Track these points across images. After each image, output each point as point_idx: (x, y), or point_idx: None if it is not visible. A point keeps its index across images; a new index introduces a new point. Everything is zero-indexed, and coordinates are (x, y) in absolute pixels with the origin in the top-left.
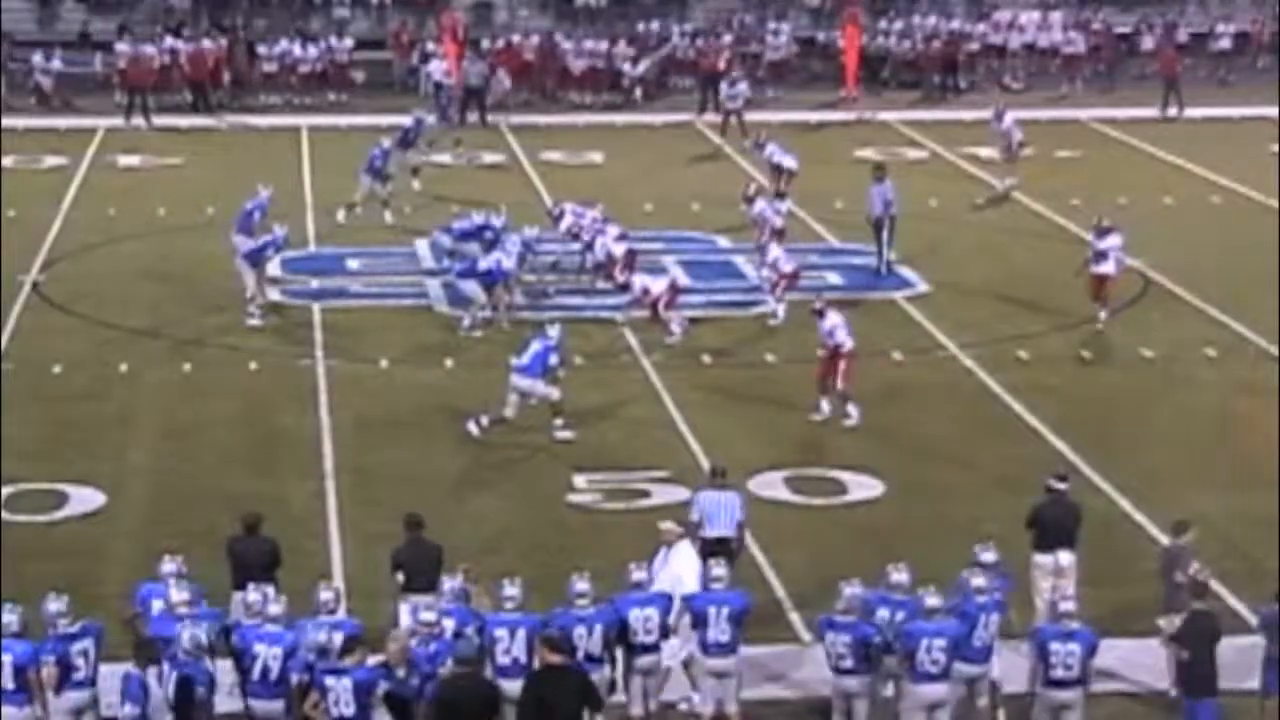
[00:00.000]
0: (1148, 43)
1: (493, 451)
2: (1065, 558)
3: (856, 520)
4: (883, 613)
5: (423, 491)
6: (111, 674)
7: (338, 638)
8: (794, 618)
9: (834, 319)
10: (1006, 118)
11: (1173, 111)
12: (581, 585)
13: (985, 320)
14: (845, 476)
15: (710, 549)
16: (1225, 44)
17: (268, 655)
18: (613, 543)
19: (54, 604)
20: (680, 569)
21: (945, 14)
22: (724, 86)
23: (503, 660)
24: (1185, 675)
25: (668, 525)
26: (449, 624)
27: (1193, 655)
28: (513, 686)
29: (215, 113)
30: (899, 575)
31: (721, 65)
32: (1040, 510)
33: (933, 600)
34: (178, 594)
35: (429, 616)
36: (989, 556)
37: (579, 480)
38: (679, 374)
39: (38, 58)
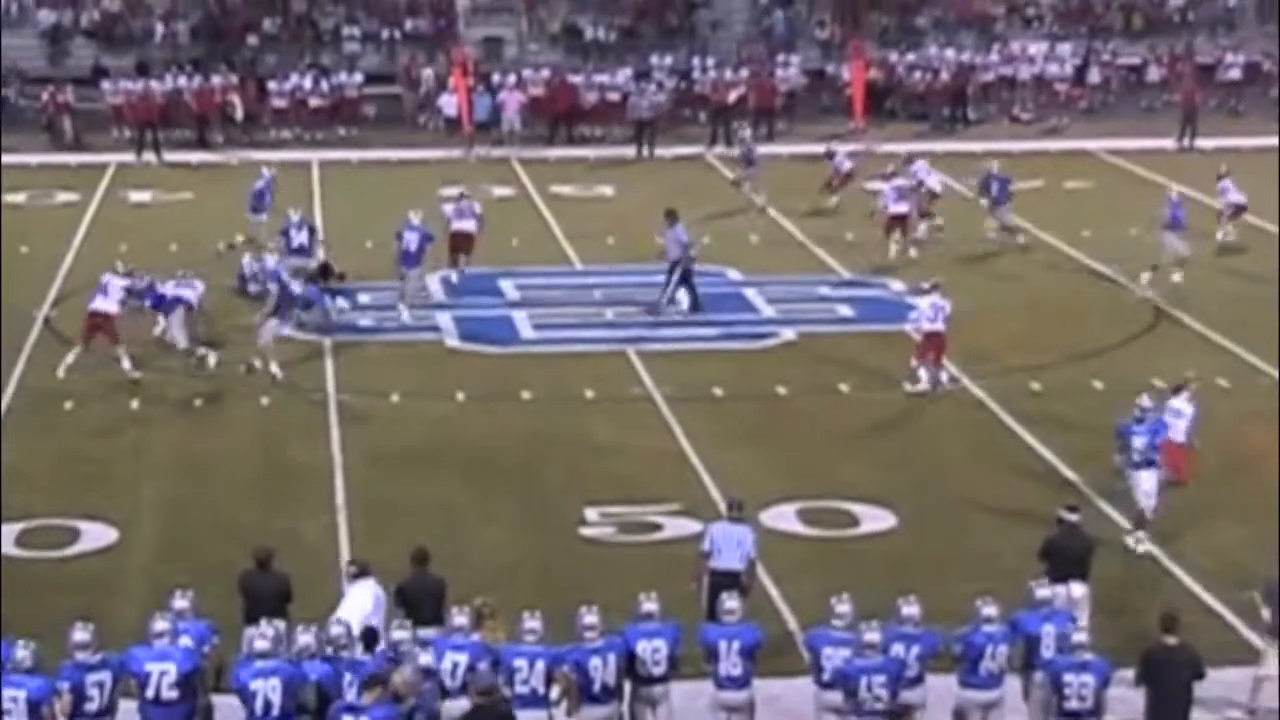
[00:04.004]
0: (1154, 74)
1: (504, 485)
2: (1078, 589)
3: (869, 552)
4: (828, 650)
5: (434, 525)
6: (130, 712)
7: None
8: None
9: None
10: (1228, 180)
11: (1188, 142)
12: (590, 618)
13: (996, 351)
14: (857, 509)
15: (720, 581)
16: (1235, 74)
17: (265, 688)
18: (625, 576)
19: (80, 633)
20: (352, 605)
21: (955, 45)
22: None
23: (521, 690)
24: (1152, 711)
25: (346, 563)
26: (461, 658)
27: (1162, 691)
28: (528, 716)
29: (217, 148)
30: (910, 608)
31: (732, 99)
32: (1053, 542)
33: (872, 635)
34: (160, 624)
35: (402, 635)
36: (990, 611)
37: (591, 513)
38: (691, 406)
39: (46, 95)
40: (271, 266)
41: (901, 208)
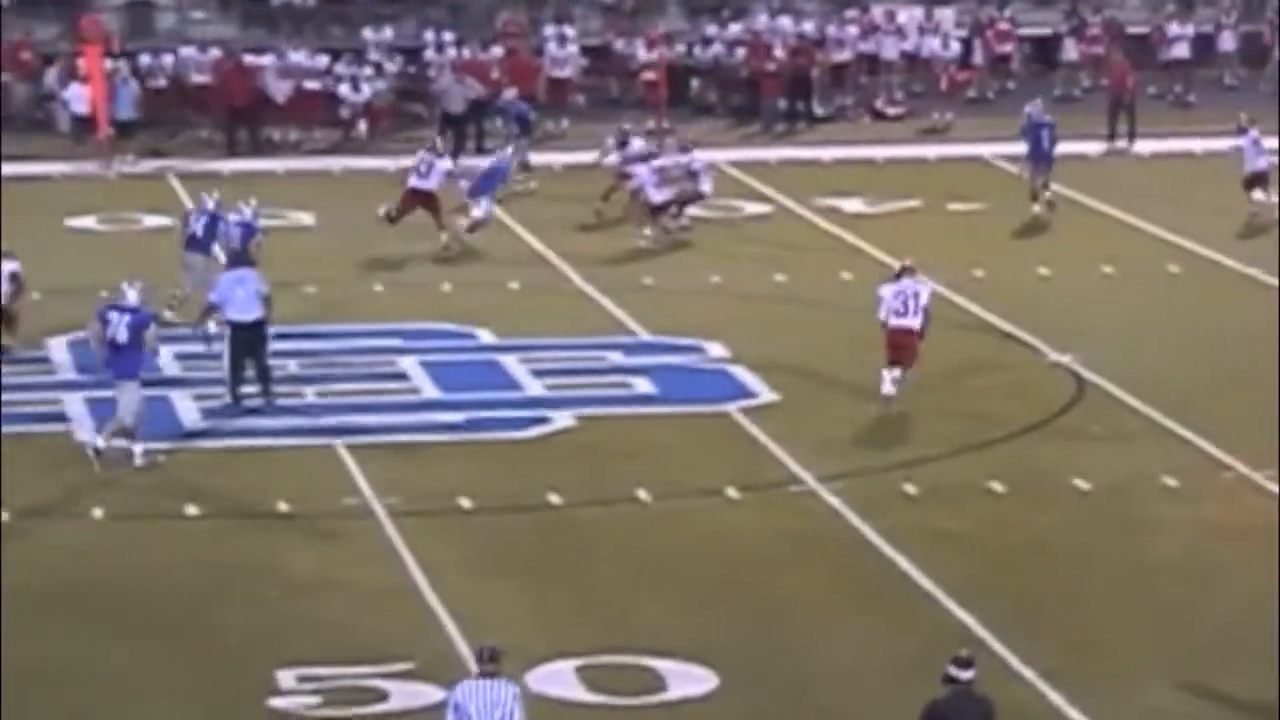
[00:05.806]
0: (1071, 50)
1: (164, 638)
2: None
3: None
4: None
5: (69, 695)
6: None
7: None
8: None
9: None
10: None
11: (1123, 144)
12: None
13: (855, 440)
14: (663, 665)
15: None
16: (1183, 51)
17: None
18: None
19: None
20: None
21: (793, 12)
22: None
23: None
24: None
25: None
26: None
27: None
28: None
29: None
30: None
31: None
32: (938, 708)
33: None
34: None
35: None
36: None
37: (286, 677)
38: (427, 523)
39: None
40: None
41: (665, 195)
